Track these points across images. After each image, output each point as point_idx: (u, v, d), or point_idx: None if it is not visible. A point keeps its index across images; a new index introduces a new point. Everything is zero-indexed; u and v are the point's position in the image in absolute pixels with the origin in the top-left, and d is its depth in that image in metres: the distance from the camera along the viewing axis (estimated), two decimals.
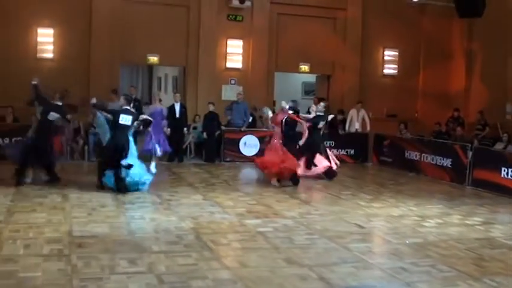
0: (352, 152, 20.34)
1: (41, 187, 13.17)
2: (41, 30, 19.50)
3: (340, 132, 20.39)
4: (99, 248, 8.36)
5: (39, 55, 19.52)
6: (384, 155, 19.94)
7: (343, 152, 20.13)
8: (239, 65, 21.34)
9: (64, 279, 7.01)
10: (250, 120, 19.64)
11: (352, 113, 20.82)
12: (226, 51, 21.21)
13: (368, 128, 20.70)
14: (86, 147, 18.29)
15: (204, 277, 7.26)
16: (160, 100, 18.76)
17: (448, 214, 12.13)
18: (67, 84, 19.06)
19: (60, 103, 14.26)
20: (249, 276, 7.40)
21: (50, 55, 19.65)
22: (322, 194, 13.94)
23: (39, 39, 19.51)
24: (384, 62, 23.18)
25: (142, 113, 15.13)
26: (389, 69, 23.24)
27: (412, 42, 23.20)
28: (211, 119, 19.05)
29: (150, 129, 15.04)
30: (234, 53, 21.28)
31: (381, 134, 20.37)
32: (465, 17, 20.69)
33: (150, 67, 27.32)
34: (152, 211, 11.14)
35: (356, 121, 20.73)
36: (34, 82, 13.87)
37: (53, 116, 13.85)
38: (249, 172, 17.26)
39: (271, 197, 13.18)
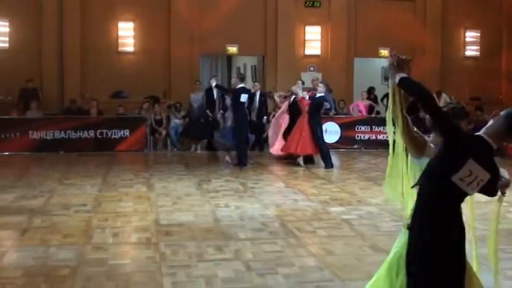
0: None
1: (127, 177, 13.48)
2: (121, 24, 19.85)
3: (421, 116, 19.96)
4: (186, 236, 8.47)
5: (120, 49, 19.90)
6: None
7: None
8: (318, 52, 21.24)
9: (153, 267, 7.13)
10: (328, 106, 19.49)
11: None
12: (304, 38, 21.13)
13: None
14: (168, 138, 18.61)
15: (291, 264, 7.25)
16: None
17: None
18: (148, 77, 19.47)
19: None
20: (336, 263, 7.36)
21: (130, 48, 19.99)
22: None
23: (120, 33, 19.87)
24: (465, 43, 22.63)
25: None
26: (471, 51, 22.66)
27: (494, 22, 22.52)
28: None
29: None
30: (313, 39, 21.19)
31: None
32: None
33: (229, 57, 27.34)
34: (236, 199, 11.19)
35: None
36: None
37: None
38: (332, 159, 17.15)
39: (355, 184, 13.07)
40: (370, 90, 21.12)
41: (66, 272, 6.88)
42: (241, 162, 15.19)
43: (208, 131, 18.20)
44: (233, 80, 16.69)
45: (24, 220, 9.32)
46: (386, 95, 20.84)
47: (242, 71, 26.82)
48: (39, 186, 12.25)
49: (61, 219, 9.42)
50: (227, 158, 15.71)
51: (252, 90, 16.33)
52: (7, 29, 19.24)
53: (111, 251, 7.79)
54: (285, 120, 16.35)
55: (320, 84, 16.18)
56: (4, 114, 17.96)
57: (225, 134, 16.08)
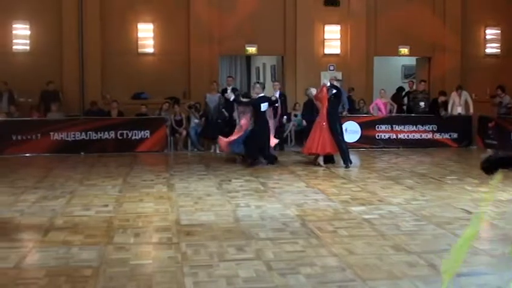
0: (455, 135, 19.79)
1: (148, 177, 13.54)
2: (141, 26, 19.96)
3: (442, 114, 19.77)
4: (207, 236, 8.48)
5: (140, 50, 20.01)
6: (489, 137, 19.30)
7: (446, 135, 19.67)
8: (337, 51, 21.19)
9: (174, 267, 7.14)
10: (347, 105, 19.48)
11: (454, 96, 20.24)
12: (324, 37, 21.10)
13: (471, 111, 20.05)
14: (189, 139, 18.65)
15: (313, 264, 7.24)
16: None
17: None
18: (168, 77, 19.55)
19: None
20: (357, 263, 7.33)
21: (150, 50, 20.09)
22: (427, 180, 13.67)
23: (139, 34, 19.99)
24: (485, 41, 22.45)
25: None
26: (492, 49, 22.45)
27: None
28: (310, 106, 18.97)
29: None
30: (332, 38, 21.15)
31: (486, 115, 19.72)
32: None
33: (248, 58, 27.40)
34: (257, 199, 11.19)
35: (458, 105, 20.10)
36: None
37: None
38: (351, 159, 17.09)
39: (375, 183, 13.01)
40: (399, 90, 21.22)
41: (88, 273, 6.92)
42: (255, 159, 15.40)
43: (226, 131, 18.18)
44: (254, 91, 16.68)
45: (46, 221, 9.40)
46: (407, 93, 20.92)
47: (261, 71, 26.90)
48: (60, 187, 12.35)
49: (83, 220, 9.49)
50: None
51: (273, 98, 16.23)
52: (28, 32, 19.41)
53: (132, 251, 7.82)
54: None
55: (335, 82, 16.25)
56: (25, 116, 18.13)
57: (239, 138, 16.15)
